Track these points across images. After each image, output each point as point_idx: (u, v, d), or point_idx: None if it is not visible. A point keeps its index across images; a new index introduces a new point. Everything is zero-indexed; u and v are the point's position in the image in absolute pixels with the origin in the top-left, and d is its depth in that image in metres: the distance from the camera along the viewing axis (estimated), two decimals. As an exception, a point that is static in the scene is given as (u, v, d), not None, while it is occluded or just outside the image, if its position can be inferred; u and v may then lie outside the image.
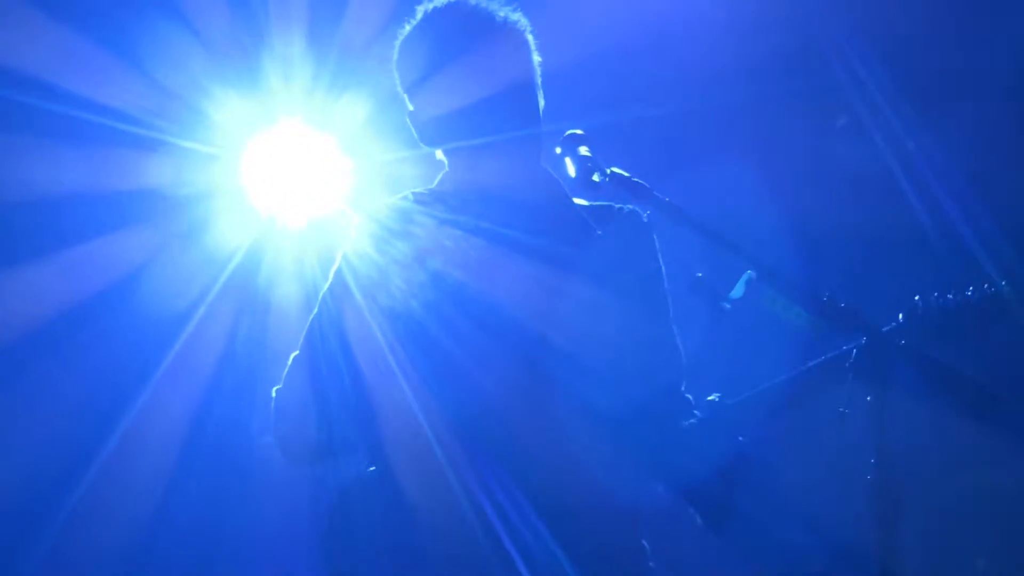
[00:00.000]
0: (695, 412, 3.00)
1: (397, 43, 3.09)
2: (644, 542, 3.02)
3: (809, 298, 2.72)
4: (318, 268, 4.97)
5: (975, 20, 4.95)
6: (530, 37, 3.07)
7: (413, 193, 3.09)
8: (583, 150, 2.93)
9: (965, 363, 2.61)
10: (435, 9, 3.04)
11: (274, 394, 3.06)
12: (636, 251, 3.08)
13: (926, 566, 4.58)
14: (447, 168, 3.09)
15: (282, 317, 5.19)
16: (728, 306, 2.85)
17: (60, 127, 5.03)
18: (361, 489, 3.01)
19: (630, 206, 3.10)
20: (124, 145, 5.08)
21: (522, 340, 2.88)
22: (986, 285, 2.67)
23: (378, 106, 5.11)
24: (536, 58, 3.07)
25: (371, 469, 3.00)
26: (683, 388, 3.05)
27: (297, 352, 3.06)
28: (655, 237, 3.11)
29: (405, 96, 3.08)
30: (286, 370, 3.06)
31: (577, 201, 3.11)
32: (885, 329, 2.74)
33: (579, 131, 2.98)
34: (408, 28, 3.07)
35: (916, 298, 2.74)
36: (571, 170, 2.92)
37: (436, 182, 3.10)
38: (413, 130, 3.09)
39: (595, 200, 3.07)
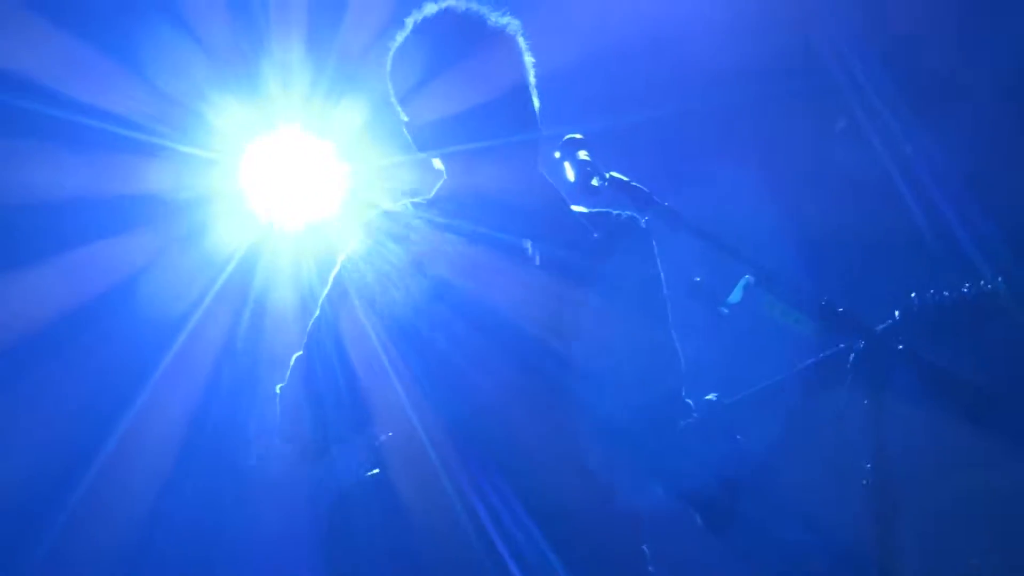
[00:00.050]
0: (693, 414, 3.01)
1: (389, 55, 3.10)
2: (644, 547, 3.02)
3: (807, 302, 2.72)
4: (315, 272, 5.01)
5: (973, 22, 4.95)
6: (521, 40, 3.07)
7: (411, 202, 3.12)
8: (582, 154, 2.91)
9: (961, 359, 2.62)
10: (425, 19, 3.05)
11: (278, 391, 3.10)
12: (634, 256, 3.08)
13: (923, 567, 4.58)
14: (445, 175, 3.10)
15: (279, 320, 5.21)
16: (726, 311, 2.83)
17: (62, 132, 5.03)
18: (360, 492, 3.03)
19: (628, 212, 3.12)
20: (124, 150, 5.09)
21: (519, 343, 2.89)
22: (981, 282, 2.67)
23: (375, 112, 5.12)
24: (529, 59, 3.07)
25: (371, 473, 3.02)
26: (683, 393, 3.05)
27: (300, 352, 3.08)
28: (653, 243, 3.12)
29: (399, 107, 3.09)
30: (289, 370, 3.09)
31: (576, 208, 3.12)
32: (882, 326, 2.75)
33: (578, 135, 2.96)
34: (399, 39, 3.08)
35: (912, 295, 2.74)
36: (570, 174, 2.91)
37: (434, 191, 3.12)
38: (408, 136, 3.10)
39: (594, 204, 3.06)
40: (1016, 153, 4.84)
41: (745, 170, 5.09)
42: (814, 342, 2.77)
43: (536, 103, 3.07)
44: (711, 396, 2.99)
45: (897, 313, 2.75)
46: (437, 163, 3.11)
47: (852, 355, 2.70)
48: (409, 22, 3.08)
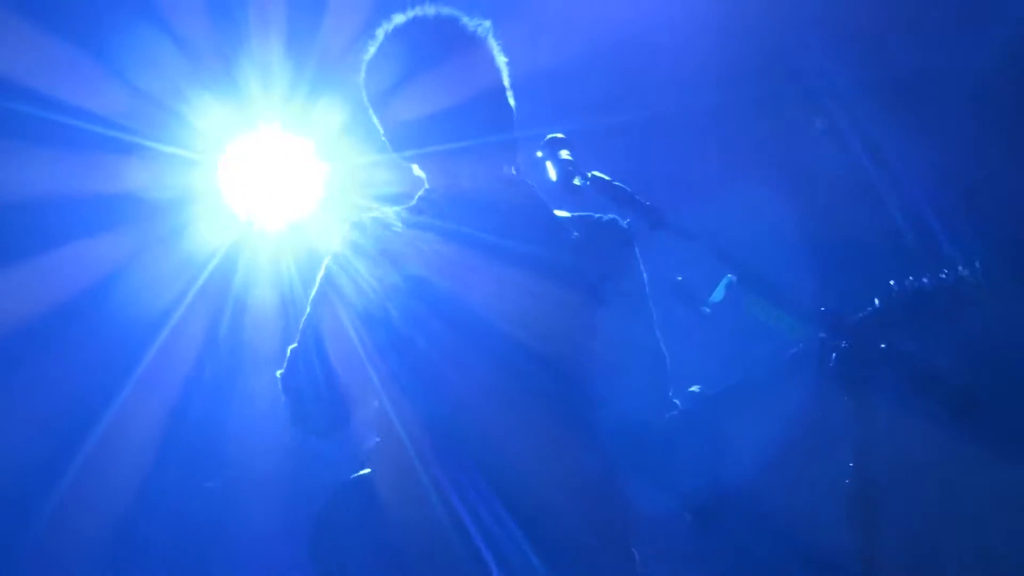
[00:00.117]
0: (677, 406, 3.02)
1: (363, 64, 3.12)
2: (634, 550, 3.03)
3: (789, 301, 2.74)
4: (295, 271, 5.02)
5: (946, 22, 4.98)
6: (493, 41, 3.08)
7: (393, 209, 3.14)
8: (564, 154, 2.93)
9: (941, 346, 2.64)
10: (396, 28, 3.07)
11: (278, 375, 3.12)
12: (616, 257, 3.11)
13: (905, 567, 4.59)
14: (425, 182, 3.13)
15: (259, 318, 5.21)
16: (708, 310, 2.85)
17: (39, 131, 5.01)
18: (346, 491, 3.06)
19: (610, 215, 3.15)
20: (104, 149, 5.07)
21: (495, 341, 2.90)
22: (960, 267, 2.66)
23: (354, 111, 5.12)
24: (501, 60, 3.09)
25: (359, 473, 3.04)
26: (669, 393, 3.07)
27: (294, 345, 3.10)
28: (635, 245, 3.15)
29: (375, 118, 3.12)
30: (286, 359, 3.11)
31: (558, 213, 3.14)
32: (862, 315, 2.74)
33: (560, 135, 2.98)
34: (372, 48, 3.10)
35: (891, 282, 2.72)
36: (552, 174, 2.92)
37: (416, 198, 3.14)
38: (384, 138, 3.13)
39: (576, 203, 3.05)
40: (990, 151, 4.87)
41: (725, 170, 5.11)
42: (796, 340, 2.78)
43: (512, 103, 3.08)
44: (695, 388, 3.00)
45: (877, 301, 2.74)
46: (417, 170, 3.13)
47: (834, 355, 2.70)
48: (380, 32, 3.10)
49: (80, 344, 5.18)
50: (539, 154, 2.98)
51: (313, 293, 3.09)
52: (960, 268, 2.65)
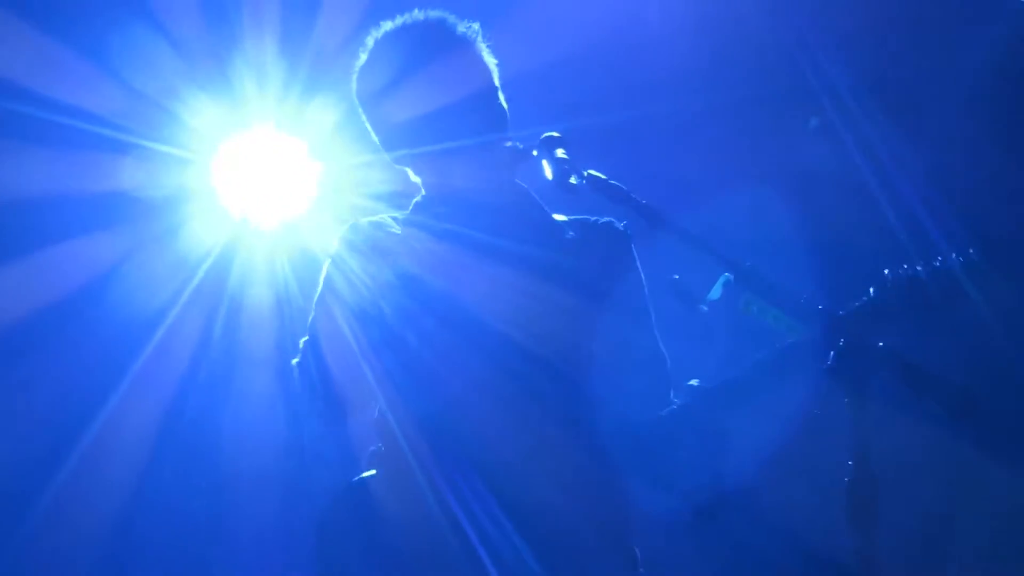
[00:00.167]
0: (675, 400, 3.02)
1: (354, 72, 3.14)
2: (635, 549, 3.02)
3: (787, 300, 2.73)
4: (289, 270, 5.03)
5: (942, 22, 5.00)
6: (482, 43, 3.10)
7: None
8: (560, 153, 2.92)
9: (935, 336, 2.63)
10: (385, 34, 3.10)
11: (294, 364, 3.12)
12: (612, 258, 3.12)
13: (904, 566, 4.59)
14: (421, 187, 3.15)
15: (254, 317, 5.22)
16: (705, 308, 2.84)
17: (33, 130, 5.00)
18: (348, 494, 3.06)
19: (606, 217, 3.17)
20: (98, 148, 5.06)
21: (488, 340, 2.91)
22: (954, 255, 2.66)
23: (348, 111, 5.12)
24: (491, 61, 3.11)
25: (361, 476, 3.05)
26: (670, 394, 3.07)
27: (306, 337, 3.11)
28: (633, 246, 3.17)
29: (367, 121, 3.14)
30: (299, 352, 3.11)
31: (557, 217, 3.16)
32: (857, 304, 2.73)
33: (556, 134, 2.98)
34: (363, 55, 3.12)
35: (885, 271, 2.72)
36: (548, 172, 2.92)
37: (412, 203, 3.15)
38: (376, 140, 3.15)
39: (572, 201, 3.03)
40: (987, 151, 4.88)
41: (721, 169, 5.11)
42: (793, 339, 2.78)
43: (504, 104, 3.09)
44: (694, 382, 2.99)
45: (872, 290, 2.73)
46: (413, 176, 3.15)
47: (832, 353, 2.68)
48: (370, 40, 3.12)
49: (75, 342, 5.17)
50: (535, 153, 2.97)
51: (317, 294, 3.10)
52: (954, 255, 2.65)
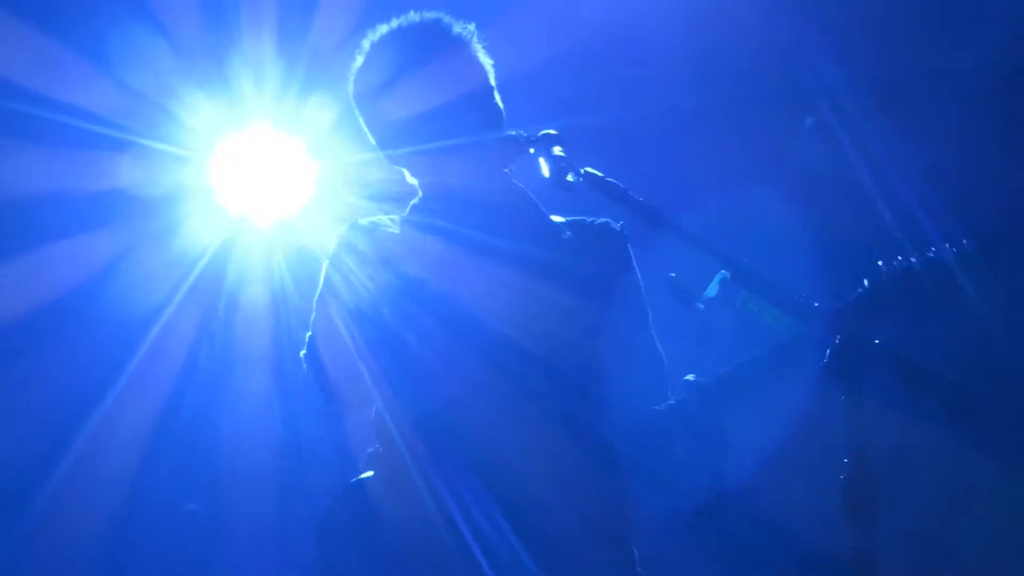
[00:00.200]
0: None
1: (350, 75, 3.14)
2: (634, 549, 3.02)
3: (783, 298, 2.74)
4: (286, 268, 5.04)
5: (938, 22, 5.00)
6: (477, 44, 3.11)
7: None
8: (557, 150, 2.93)
9: (929, 327, 2.63)
10: (381, 37, 3.10)
11: (302, 356, 3.12)
12: (609, 258, 3.12)
13: (902, 564, 4.59)
14: (418, 188, 3.15)
15: (251, 315, 5.22)
16: (702, 306, 2.84)
17: (30, 128, 5.01)
18: (348, 494, 3.06)
19: (603, 219, 3.17)
20: (95, 146, 5.06)
21: (485, 339, 2.90)
22: (947, 245, 2.67)
23: (345, 110, 5.12)
24: (487, 61, 3.11)
25: (361, 476, 3.05)
26: (668, 395, 3.04)
27: (310, 332, 3.12)
28: (630, 247, 3.16)
29: (362, 121, 3.15)
30: (305, 344, 3.12)
31: (554, 219, 3.16)
32: (852, 297, 2.73)
33: (553, 131, 2.99)
34: (359, 58, 3.12)
35: (879, 263, 2.72)
36: (545, 170, 2.93)
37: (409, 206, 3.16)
38: (372, 140, 3.15)
39: (568, 199, 3.02)
40: (983, 150, 4.89)
41: (718, 167, 5.12)
42: (790, 337, 2.77)
43: (500, 104, 3.10)
44: (690, 376, 2.98)
45: (866, 282, 2.73)
46: (410, 178, 3.16)
47: (829, 351, 2.68)
48: (365, 43, 3.13)
49: (72, 341, 5.18)
50: (531, 150, 2.98)
51: (317, 293, 3.10)
52: (947, 245, 2.64)
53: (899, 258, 2.71)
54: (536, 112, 3.37)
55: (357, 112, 3.16)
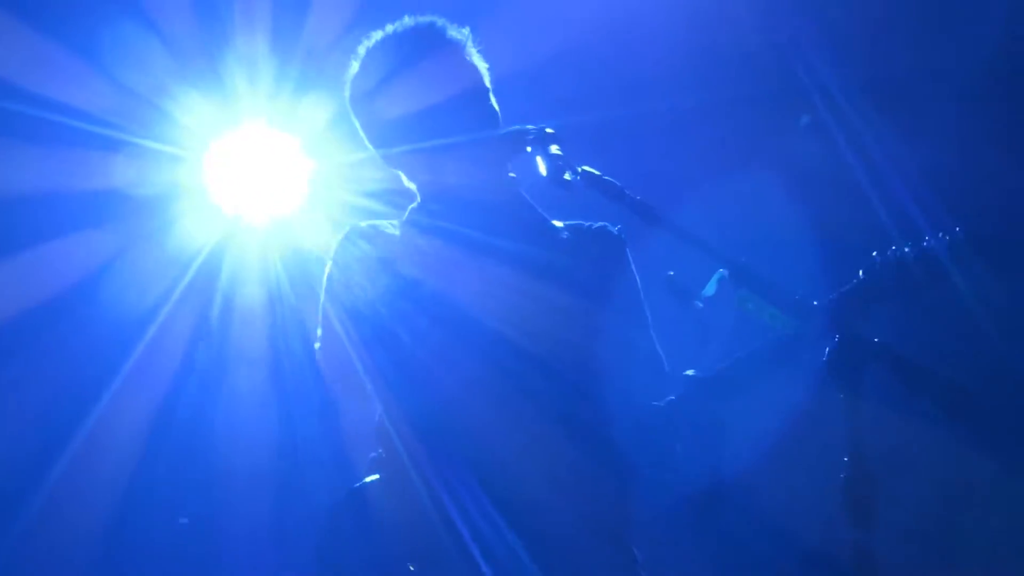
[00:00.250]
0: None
1: (346, 81, 3.16)
2: (635, 550, 3.01)
3: (782, 296, 2.73)
4: (281, 267, 5.03)
5: (935, 21, 5.01)
6: (472, 47, 3.12)
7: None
8: (554, 149, 2.91)
9: (925, 317, 2.62)
10: (377, 43, 3.12)
11: (317, 347, 3.13)
12: (607, 259, 3.12)
13: (902, 563, 4.59)
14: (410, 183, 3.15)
15: (246, 314, 5.22)
16: (700, 305, 2.84)
17: (24, 127, 5.00)
18: (349, 499, 3.06)
19: (600, 223, 3.17)
20: (90, 146, 5.06)
21: (481, 338, 2.90)
22: (940, 234, 2.67)
23: (340, 109, 5.12)
24: (482, 64, 3.12)
25: (364, 481, 3.05)
26: (666, 394, 3.02)
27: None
28: (628, 250, 3.17)
29: (358, 124, 3.16)
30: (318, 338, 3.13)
31: (555, 223, 3.16)
32: (847, 288, 2.73)
33: (550, 130, 2.97)
34: (355, 64, 3.14)
35: (874, 254, 2.72)
36: (542, 169, 2.91)
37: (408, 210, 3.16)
38: (369, 144, 3.17)
39: (566, 198, 3.04)
40: (980, 149, 4.89)
41: (715, 165, 5.12)
42: (788, 335, 2.77)
43: (496, 107, 3.11)
44: (690, 372, 2.98)
45: (861, 272, 2.73)
46: (407, 182, 3.16)
47: (827, 349, 2.68)
48: (361, 49, 3.14)
49: (67, 341, 5.18)
50: (529, 149, 2.97)
51: (321, 296, 3.11)
52: (940, 234, 2.65)
53: (893, 247, 2.71)
54: (533, 111, 3.37)
55: (353, 117, 3.17)
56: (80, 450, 5.18)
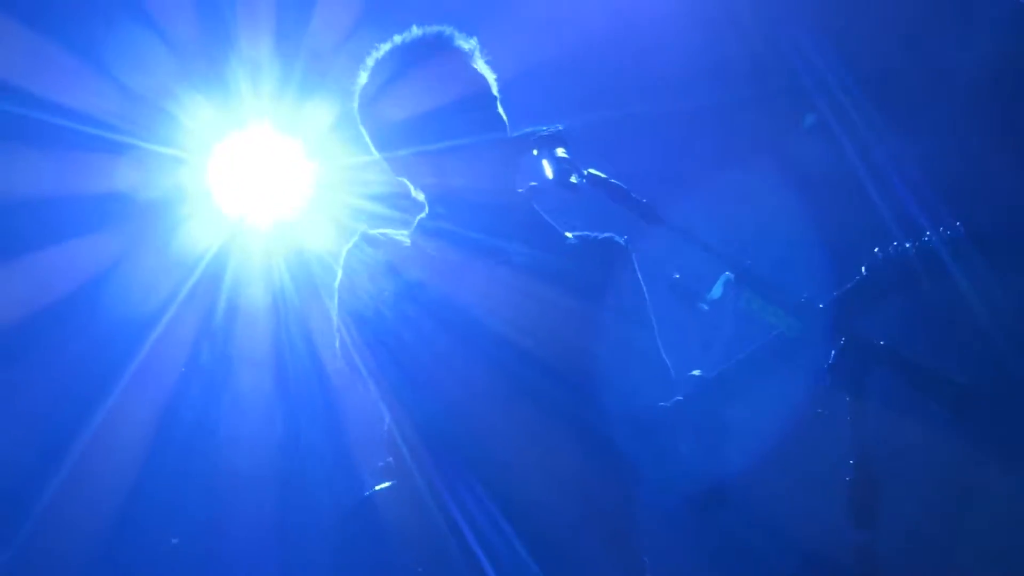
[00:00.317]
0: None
1: (355, 90, 3.17)
2: (644, 557, 3.03)
3: (787, 299, 2.74)
4: (285, 270, 5.03)
5: (936, 20, 5.01)
6: (479, 56, 3.14)
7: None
8: (560, 152, 2.93)
9: (927, 313, 2.62)
10: (386, 54, 3.13)
11: (336, 345, 3.12)
12: (612, 264, 3.13)
13: (903, 564, 4.60)
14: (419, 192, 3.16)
15: (250, 317, 5.22)
16: (706, 307, 2.84)
17: (28, 131, 5.00)
18: (360, 507, 3.08)
19: (607, 233, 3.18)
20: (93, 149, 5.05)
21: (486, 342, 2.91)
22: (941, 229, 2.68)
23: (344, 111, 5.12)
24: (489, 73, 3.13)
25: (376, 488, 3.06)
26: (671, 398, 3.03)
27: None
28: (634, 258, 3.17)
29: (368, 138, 3.16)
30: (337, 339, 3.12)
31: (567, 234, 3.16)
32: (849, 284, 2.75)
33: (559, 126, 2.99)
34: (364, 74, 3.15)
35: (876, 250, 2.73)
36: (548, 171, 2.93)
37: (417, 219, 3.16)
38: (375, 151, 3.17)
39: (572, 200, 3.02)
40: (979, 148, 4.90)
41: (721, 168, 5.12)
42: (793, 338, 2.78)
43: (503, 115, 3.11)
44: (696, 372, 2.98)
45: (864, 269, 2.75)
46: (416, 193, 3.17)
47: (833, 351, 2.69)
48: (369, 60, 3.16)
49: (72, 343, 5.17)
50: (535, 152, 2.98)
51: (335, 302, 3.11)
52: (942, 229, 2.65)
53: (895, 243, 2.72)
54: (539, 113, 3.36)
55: (362, 126, 3.17)
56: (86, 451, 5.17)
